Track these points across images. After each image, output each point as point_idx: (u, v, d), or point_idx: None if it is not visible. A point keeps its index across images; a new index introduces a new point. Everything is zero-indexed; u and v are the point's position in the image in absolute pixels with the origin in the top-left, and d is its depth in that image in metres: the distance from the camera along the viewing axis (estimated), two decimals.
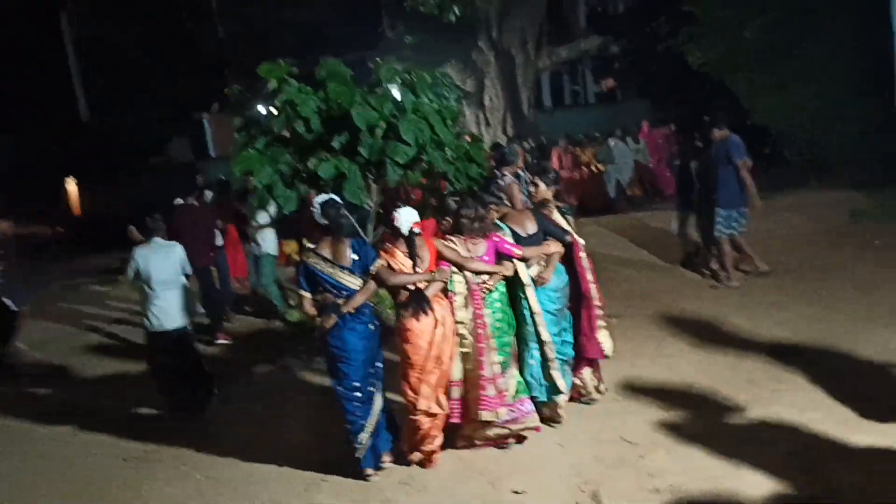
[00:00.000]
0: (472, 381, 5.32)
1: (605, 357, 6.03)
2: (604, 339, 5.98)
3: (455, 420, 5.35)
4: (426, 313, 5.15)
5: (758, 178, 8.76)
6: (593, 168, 14.93)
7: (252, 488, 5.37)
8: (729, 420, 5.48)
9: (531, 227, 5.72)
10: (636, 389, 6.17)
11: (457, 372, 5.33)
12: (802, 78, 12.83)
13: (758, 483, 4.58)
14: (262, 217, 9.28)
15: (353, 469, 5.22)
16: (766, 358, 6.53)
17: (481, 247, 5.42)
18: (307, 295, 5.18)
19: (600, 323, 5.97)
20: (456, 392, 5.34)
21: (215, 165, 21.05)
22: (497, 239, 5.49)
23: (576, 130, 16.98)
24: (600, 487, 4.74)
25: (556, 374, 5.55)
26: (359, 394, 5.13)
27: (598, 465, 5.05)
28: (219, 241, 9.33)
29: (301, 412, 6.64)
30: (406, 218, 5.26)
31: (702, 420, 5.51)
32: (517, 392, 5.37)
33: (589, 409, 5.91)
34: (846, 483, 4.45)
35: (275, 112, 7.25)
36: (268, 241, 9.55)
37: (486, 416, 5.26)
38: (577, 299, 5.93)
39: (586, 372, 6.02)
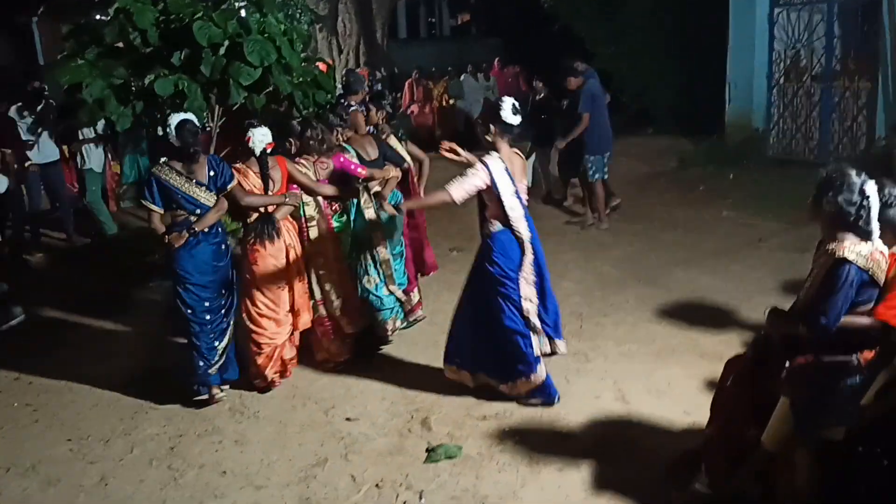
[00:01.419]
0: (329, 299, 5.55)
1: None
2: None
3: (324, 338, 5.58)
4: (275, 237, 5.15)
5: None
6: (444, 102, 14.99)
7: (73, 418, 5.17)
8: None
9: (373, 152, 5.98)
10: None
11: (317, 292, 5.53)
12: (636, 28, 13.34)
13: (578, 409, 4.89)
14: (87, 132, 8.84)
15: (189, 396, 5.12)
16: (593, 293, 6.92)
17: (329, 170, 5.56)
18: (157, 210, 4.96)
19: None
20: (321, 310, 5.55)
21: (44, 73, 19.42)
22: (343, 159, 5.62)
23: (429, 64, 16.94)
24: (430, 414, 4.90)
25: (397, 291, 5.83)
26: (208, 316, 5.00)
27: (429, 392, 5.19)
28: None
29: (135, 338, 6.41)
30: (260, 138, 5.16)
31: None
32: (375, 307, 5.70)
33: (417, 335, 6.04)
34: (656, 412, 4.82)
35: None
36: (93, 156, 9.18)
37: (349, 328, 5.63)
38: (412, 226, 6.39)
39: (414, 293, 6.21)
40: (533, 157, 9.90)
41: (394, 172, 5.87)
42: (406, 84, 15.13)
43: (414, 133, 13.67)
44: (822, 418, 3.36)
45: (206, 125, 7.09)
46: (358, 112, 6.21)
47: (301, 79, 7.22)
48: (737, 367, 3.93)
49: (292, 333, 5.40)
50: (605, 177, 8.92)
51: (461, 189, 4.70)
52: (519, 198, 4.86)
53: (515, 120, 4.84)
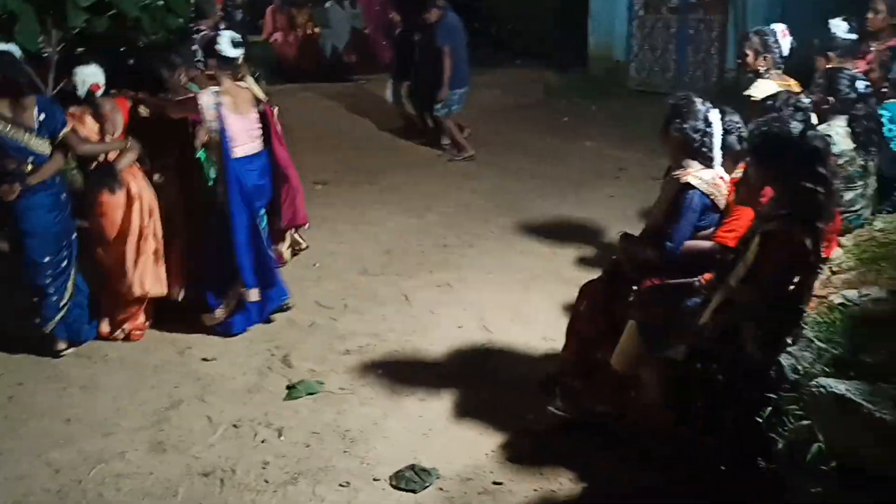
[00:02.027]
0: None
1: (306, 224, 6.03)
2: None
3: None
4: (118, 186, 4.79)
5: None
6: (309, 31, 14.43)
7: None
8: (419, 282, 5.77)
9: None
10: (335, 254, 6.27)
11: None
12: None
13: (442, 339, 4.92)
14: None
15: (32, 345, 4.80)
16: (458, 224, 6.94)
17: None
18: None
19: None
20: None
21: None
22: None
23: None
24: (291, 351, 4.80)
25: None
26: (50, 270, 4.62)
27: (292, 329, 5.10)
28: None
29: None
30: (83, 78, 4.71)
31: (394, 284, 5.74)
32: None
33: (286, 274, 5.90)
34: (518, 339, 4.92)
35: None
36: None
37: None
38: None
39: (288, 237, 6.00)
40: (390, 89, 9.78)
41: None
42: (268, 11, 14.43)
43: (277, 63, 13.11)
44: (667, 338, 3.50)
45: (43, 52, 6.52)
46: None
47: (149, 0, 6.74)
48: (591, 291, 4.03)
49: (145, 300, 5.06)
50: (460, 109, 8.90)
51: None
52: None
53: (234, 52, 4.87)
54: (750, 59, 5.03)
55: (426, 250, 6.37)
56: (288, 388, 4.41)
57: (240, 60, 4.96)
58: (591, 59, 11.81)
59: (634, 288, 3.76)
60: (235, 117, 4.86)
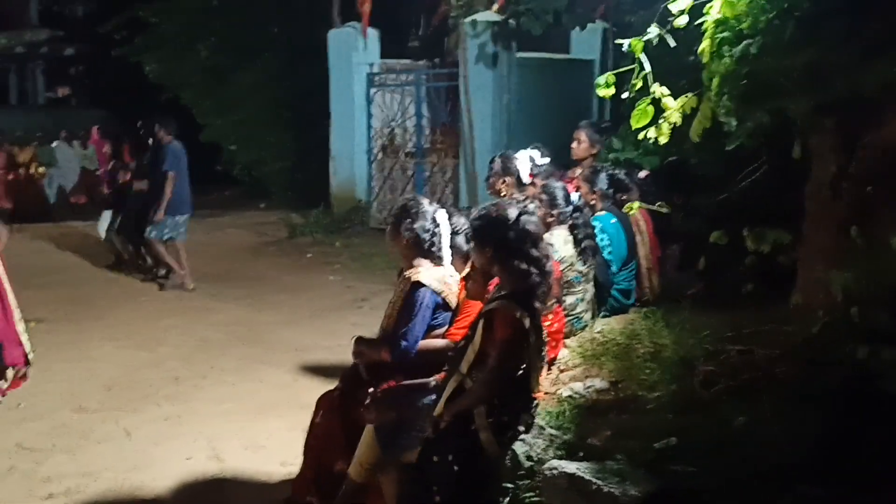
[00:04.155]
0: None
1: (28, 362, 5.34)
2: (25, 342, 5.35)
3: None
4: None
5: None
6: (32, 171, 13.51)
7: None
8: (143, 417, 5.23)
9: None
10: (45, 393, 5.54)
11: None
12: (242, 104, 13.45)
13: (167, 473, 4.41)
14: None
15: None
16: (193, 357, 6.50)
17: None
18: None
19: (20, 328, 5.35)
20: None
21: None
22: None
23: (19, 130, 15.20)
24: None
25: None
26: None
27: None
28: None
29: None
30: None
31: (114, 420, 5.14)
32: None
33: None
34: (252, 466, 4.54)
35: None
36: None
37: None
38: None
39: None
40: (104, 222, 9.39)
41: None
42: None
43: None
44: (403, 440, 3.36)
45: None
46: None
47: None
48: (327, 400, 3.84)
49: None
50: (184, 238, 8.74)
51: None
52: None
53: None
54: (493, 181, 5.39)
55: (154, 384, 5.84)
56: None
57: None
58: (334, 198, 12.06)
59: (371, 392, 3.63)
60: None
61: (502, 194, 5.34)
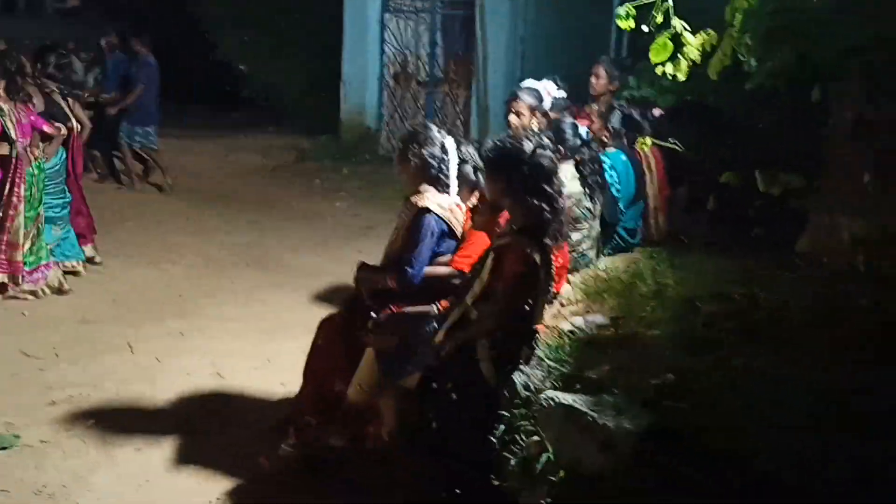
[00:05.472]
0: None
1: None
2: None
3: None
4: None
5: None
6: None
7: None
8: (147, 331, 5.28)
9: (40, 106, 5.93)
10: (50, 303, 5.62)
11: None
12: (262, 24, 13.14)
13: (167, 387, 4.48)
14: None
15: None
16: (201, 276, 6.54)
17: (23, 116, 5.60)
18: None
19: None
20: None
21: None
22: (33, 118, 5.69)
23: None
24: None
25: None
26: None
27: None
28: None
29: None
30: None
31: (117, 333, 5.20)
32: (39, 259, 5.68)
33: None
34: (253, 385, 4.61)
35: None
36: None
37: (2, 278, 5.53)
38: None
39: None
40: None
41: (63, 130, 5.98)
42: None
43: None
44: (404, 365, 3.39)
45: None
46: None
47: None
48: (329, 323, 3.86)
49: None
50: (157, 147, 9.18)
51: None
52: None
53: None
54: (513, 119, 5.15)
55: (160, 300, 5.90)
56: None
57: None
58: (343, 124, 11.91)
59: (373, 317, 3.64)
60: None
61: (515, 125, 5.21)
